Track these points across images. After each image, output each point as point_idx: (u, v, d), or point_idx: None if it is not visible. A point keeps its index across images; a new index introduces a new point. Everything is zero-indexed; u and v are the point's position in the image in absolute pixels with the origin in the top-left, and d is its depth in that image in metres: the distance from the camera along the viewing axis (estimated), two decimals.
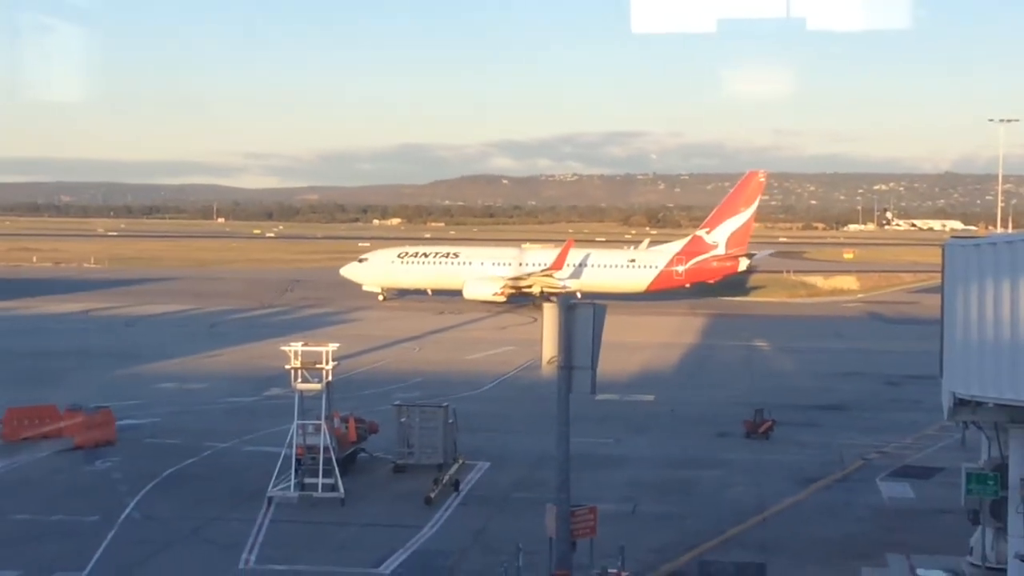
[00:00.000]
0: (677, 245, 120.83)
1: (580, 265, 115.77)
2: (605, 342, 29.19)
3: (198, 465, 44.43)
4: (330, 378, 39.66)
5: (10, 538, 34.66)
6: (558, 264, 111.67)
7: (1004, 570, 28.22)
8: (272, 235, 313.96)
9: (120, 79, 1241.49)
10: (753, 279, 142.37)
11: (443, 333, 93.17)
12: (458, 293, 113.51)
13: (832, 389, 65.83)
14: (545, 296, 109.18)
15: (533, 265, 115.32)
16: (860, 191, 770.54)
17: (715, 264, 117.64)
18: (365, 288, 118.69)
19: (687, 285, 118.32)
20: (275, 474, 38.91)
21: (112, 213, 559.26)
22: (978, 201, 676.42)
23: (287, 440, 39.63)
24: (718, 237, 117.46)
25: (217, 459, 45.60)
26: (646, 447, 49.23)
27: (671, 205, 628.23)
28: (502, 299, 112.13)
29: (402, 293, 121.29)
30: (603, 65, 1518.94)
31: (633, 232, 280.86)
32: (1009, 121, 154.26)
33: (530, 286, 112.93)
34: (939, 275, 29.89)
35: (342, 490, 38.55)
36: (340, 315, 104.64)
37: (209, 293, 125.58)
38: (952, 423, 32.63)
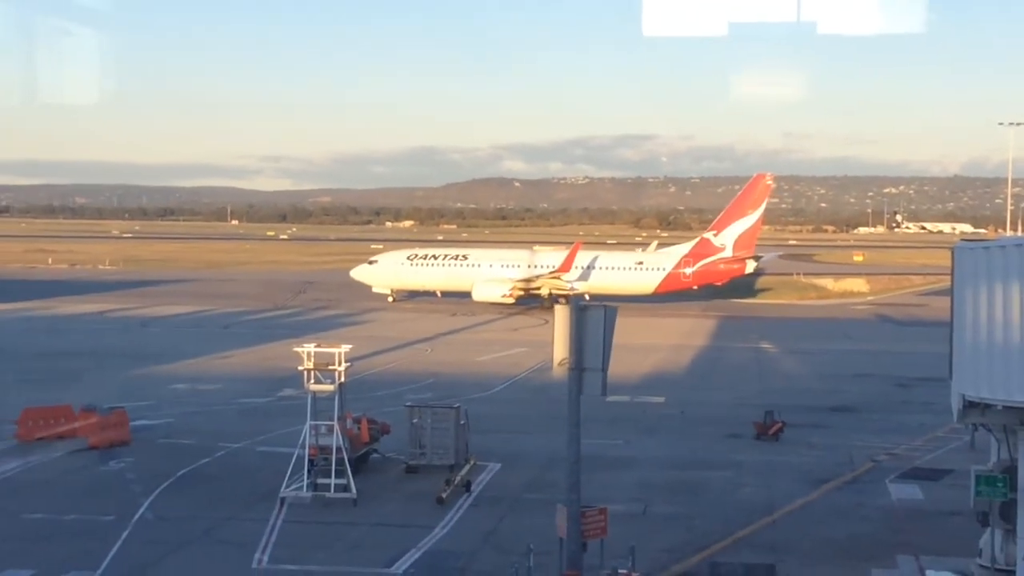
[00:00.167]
0: (685, 247, 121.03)
1: (588, 267, 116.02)
2: (616, 344, 29.34)
3: (212, 465, 44.65)
4: (343, 379, 39.83)
5: (25, 537, 34.90)
6: (566, 266, 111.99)
7: (1013, 572, 28.37)
8: (286, 237, 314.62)
9: (135, 82, 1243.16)
10: (763, 281, 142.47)
11: (455, 335, 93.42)
12: (467, 295, 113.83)
13: (842, 391, 65.87)
14: (553, 298, 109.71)
15: (543, 267, 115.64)
16: (870, 194, 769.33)
17: (722, 266, 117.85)
18: (375, 290, 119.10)
19: (695, 287, 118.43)
20: (288, 474, 39.08)
21: (127, 215, 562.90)
22: (988, 204, 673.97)
23: (300, 441, 39.80)
24: (725, 240, 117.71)
25: (230, 459, 45.82)
26: (656, 448, 49.36)
27: (682, 208, 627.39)
28: (510, 301, 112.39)
29: (412, 295, 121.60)
30: (614, 68, 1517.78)
31: (644, 235, 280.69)
32: (1018, 124, 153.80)
33: (538, 288, 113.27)
34: (949, 278, 30.07)
35: (354, 490, 38.72)
36: (353, 316, 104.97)
37: (223, 294, 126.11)
38: (961, 425, 32.73)
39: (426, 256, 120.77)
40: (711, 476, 44.35)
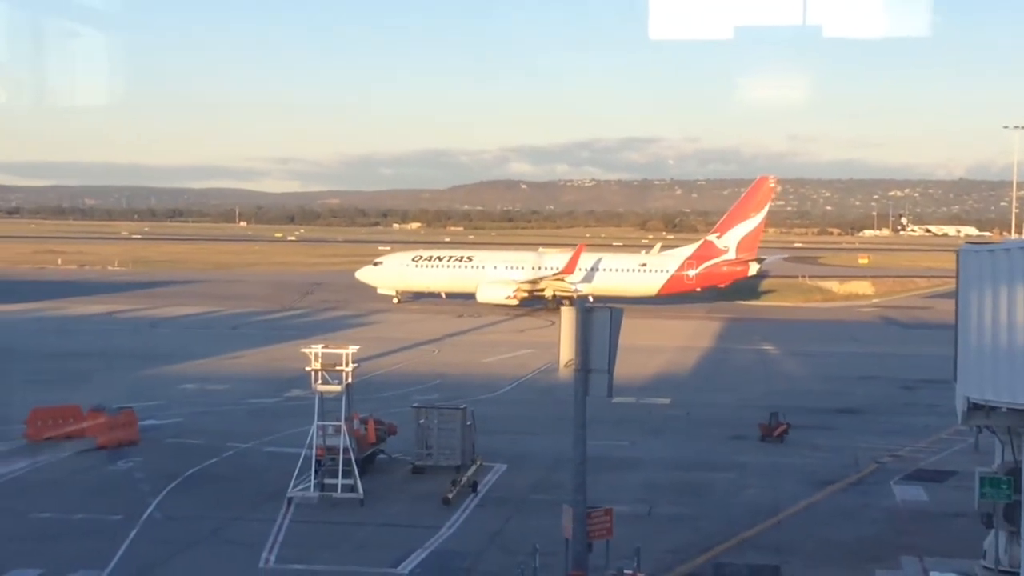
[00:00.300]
0: (688, 250, 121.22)
1: (592, 269, 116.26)
2: (621, 345, 29.45)
3: (219, 465, 44.83)
4: (350, 380, 39.94)
5: (33, 536, 35.08)
6: (569, 268, 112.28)
7: (1017, 574, 28.41)
8: (294, 238, 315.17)
9: (144, 84, 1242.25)
10: (768, 283, 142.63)
11: (461, 336, 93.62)
12: (471, 296, 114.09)
13: (847, 393, 65.96)
14: (557, 300, 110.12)
15: (548, 269, 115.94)
16: (875, 197, 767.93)
17: (725, 268, 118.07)
18: (379, 291, 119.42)
19: (698, 289, 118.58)
20: (295, 475, 39.24)
21: (136, 216, 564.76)
22: (992, 207, 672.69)
23: (307, 441, 39.95)
24: (728, 242, 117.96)
25: (238, 460, 46.01)
26: (662, 449, 49.50)
27: (688, 210, 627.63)
28: (514, 302, 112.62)
29: (416, 296, 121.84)
30: (621, 71, 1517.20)
31: (650, 237, 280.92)
32: (1023, 128, 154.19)
33: (542, 290, 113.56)
34: (954, 280, 30.16)
35: (361, 491, 38.89)
36: (360, 318, 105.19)
37: (231, 295, 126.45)
38: (966, 427, 32.93)
39: (430, 258, 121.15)
40: (716, 477, 44.47)
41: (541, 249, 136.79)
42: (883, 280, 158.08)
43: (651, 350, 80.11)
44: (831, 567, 33.28)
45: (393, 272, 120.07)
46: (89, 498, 39.80)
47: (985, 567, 30.08)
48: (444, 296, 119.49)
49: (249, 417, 54.95)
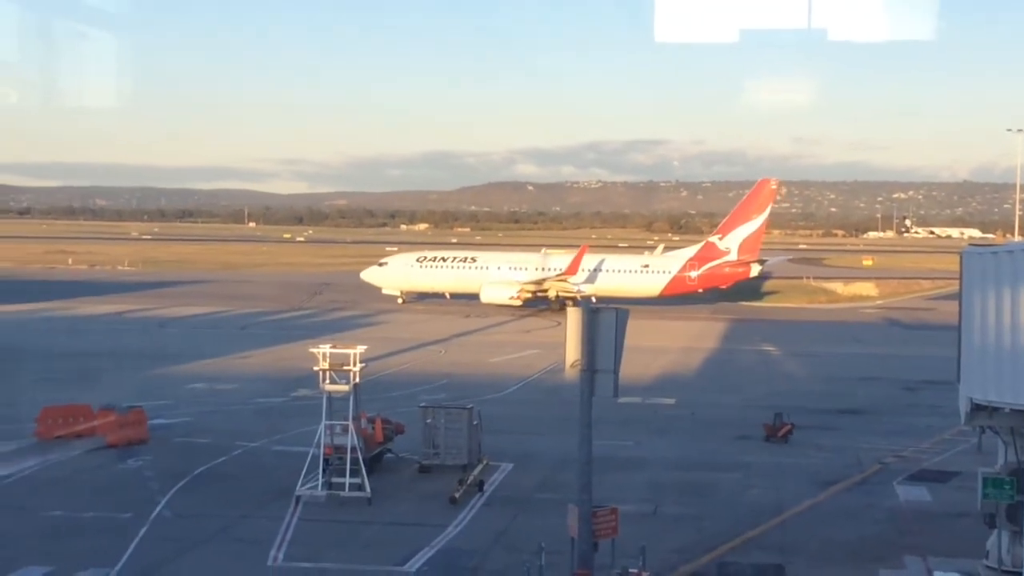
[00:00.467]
0: (690, 251, 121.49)
1: (595, 270, 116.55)
2: (626, 346, 29.58)
3: (228, 464, 45.03)
4: (357, 380, 40.13)
5: (43, 534, 35.26)
6: (572, 269, 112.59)
7: (1020, 574, 28.58)
8: (302, 239, 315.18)
9: (153, 86, 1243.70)
10: (772, 284, 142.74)
11: (468, 336, 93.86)
12: (476, 297, 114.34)
13: (851, 394, 66.11)
14: (560, 300, 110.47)
15: (552, 270, 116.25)
16: (880, 199, 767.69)
17: (727, 270, 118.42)
18: (384, 291, 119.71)
19: (700, 290, 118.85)
20: (303, 473, 39.45)
21: (146, 217, 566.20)
22: (996, 209, 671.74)
23: (315, 440, 40.14)
24: (730, 243, 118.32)
25: (247, 458, 46.20)
26: (667, 449, 49.67)
27: (693, 212, 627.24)
28: (518, 303, 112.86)
29: (421, 296, 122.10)
30: (627, 74, 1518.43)
31: (656, 238, 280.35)
32: None
33: (546, 291, 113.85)
34: (957, 282, 30.39)
35: (369, 489, 39.06)
36: (368, 318, 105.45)
37: (240, 295, 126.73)
38: (969, 428, 33.10)
39: (435, 258, 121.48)
40: (721, 477, 44.66)
41: (545, 250, 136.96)
42: (887, 282, 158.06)
43: (655, 351, 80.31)
44: (835, 567, 33.43)
45: (398, 273, 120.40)
46: (99, 496, 40.01)
47: (988, 567, 30.24)
48: (448, 296, 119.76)
49: (257, 416, 55.15)
